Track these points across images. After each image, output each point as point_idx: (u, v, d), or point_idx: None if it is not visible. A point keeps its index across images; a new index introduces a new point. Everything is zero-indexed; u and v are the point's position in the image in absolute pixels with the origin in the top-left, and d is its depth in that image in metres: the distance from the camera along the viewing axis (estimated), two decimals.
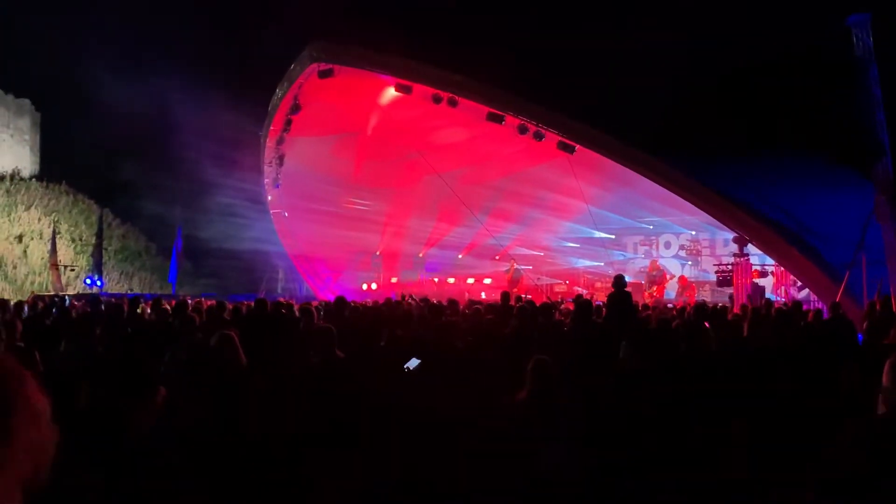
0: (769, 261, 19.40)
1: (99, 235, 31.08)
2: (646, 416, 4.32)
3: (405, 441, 4.27)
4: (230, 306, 11.76)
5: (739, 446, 4.43)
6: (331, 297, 24.65)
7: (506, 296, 11.96)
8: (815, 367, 6.64)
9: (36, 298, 16.76)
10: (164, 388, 2.71)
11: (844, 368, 6.54)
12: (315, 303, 15.76)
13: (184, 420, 3.00)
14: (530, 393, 4.55)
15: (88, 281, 28.91)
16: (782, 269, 18.81)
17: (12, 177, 38.64)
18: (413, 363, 6.50)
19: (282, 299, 18.96)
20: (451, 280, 28.44)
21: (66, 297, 16.85)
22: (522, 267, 26.21)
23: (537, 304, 12.04)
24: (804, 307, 13.94)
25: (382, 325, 7.34)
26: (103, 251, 31.83)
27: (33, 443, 1.38)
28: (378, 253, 28.62)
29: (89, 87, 31.31)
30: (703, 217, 20.33)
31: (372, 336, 6.67)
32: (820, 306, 15.54)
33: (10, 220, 35.11)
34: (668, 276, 25.39)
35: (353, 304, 9.96)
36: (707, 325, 8.85)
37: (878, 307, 10.03)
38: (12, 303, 12.18)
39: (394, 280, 28.32)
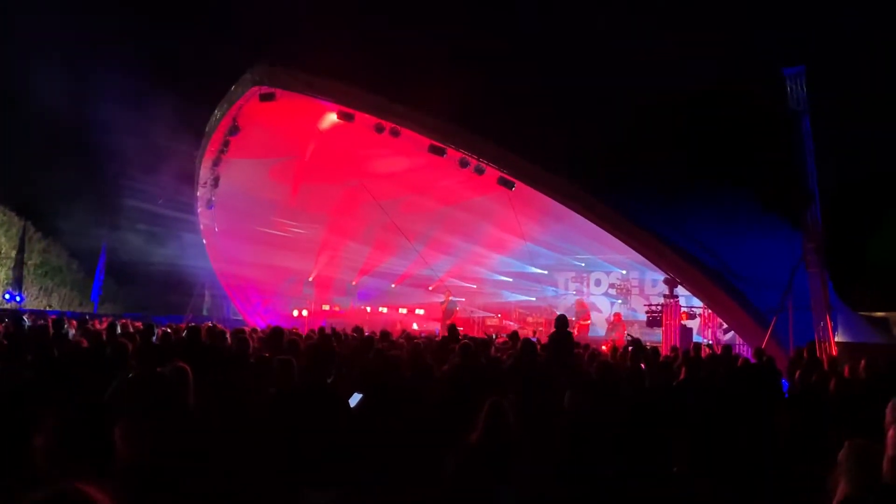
0: (697, 302, 19.78)
1: (20, 249, 29.88)
2: (598, 458, 4.34)
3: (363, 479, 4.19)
4: (159, 332, 11.45)
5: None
6: (260, 323, 24.18)
7: (453, 329, 11.95)
8: (749, 412, 6.82)
9: None
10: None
11: (778, 414, 6.74)
12: (248, 329, 15.43)
13: (141, 459, 2.87)
14: (483, 435, 4.49)
15: (7, 296, 27.76)
16: (710, 311, 19.19)
17: None
18: (355, 399, 6.40)
19: (208, 323, 18.53)
20: (384, 309, 28.26)
21: None
22: (457, 299, 26.22)
23: (475, 339, 12.07)
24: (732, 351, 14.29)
25: (329, 359, 7.20)
26: (24, 266, 30.62)
27: None
28: (310, 279, 28.22)
29: (14, 94, 30.11)
30: (634, 256, 20.67)
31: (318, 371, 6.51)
32: (745, 349, 15.94)
33: None
34: (590, 316, 25.97)
35: (289, 335, 9.74)
36: (644, 366, 9.02)
37: (805, 354, 10.36)
38: None
39: (325, 307, 27.97)
